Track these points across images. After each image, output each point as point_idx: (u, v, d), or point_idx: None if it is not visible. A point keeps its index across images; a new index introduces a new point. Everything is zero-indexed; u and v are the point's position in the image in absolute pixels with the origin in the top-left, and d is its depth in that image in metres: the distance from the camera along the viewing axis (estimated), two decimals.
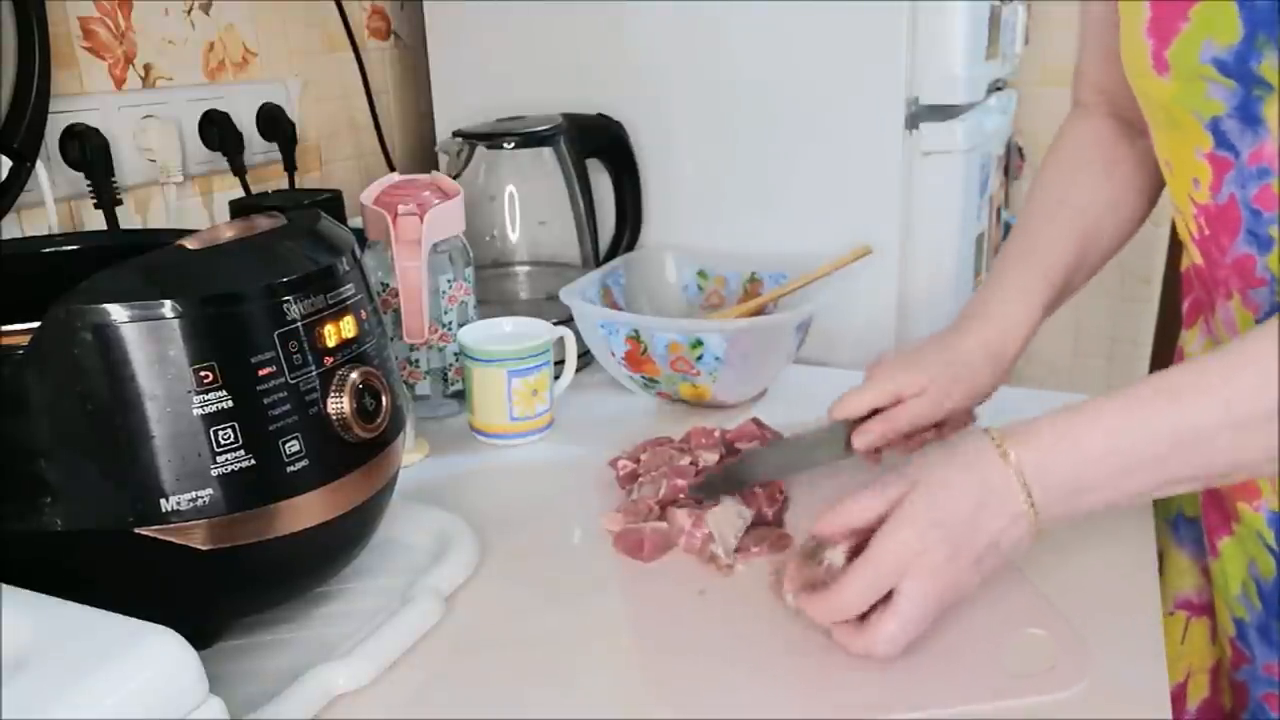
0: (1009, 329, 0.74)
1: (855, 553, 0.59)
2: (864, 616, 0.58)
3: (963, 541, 0.56)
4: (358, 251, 0.63)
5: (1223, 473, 0.56)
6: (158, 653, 0.45)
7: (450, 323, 0.95)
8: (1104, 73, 0.76)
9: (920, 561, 0.56)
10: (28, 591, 0.48)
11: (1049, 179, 0.79)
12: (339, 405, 0.57)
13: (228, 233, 0.57)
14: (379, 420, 0.60)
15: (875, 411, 0.75)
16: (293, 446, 0.55)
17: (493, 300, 1.06)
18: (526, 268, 1.15)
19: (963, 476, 0.57)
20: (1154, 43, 0.58)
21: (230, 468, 0.53)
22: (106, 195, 0.92)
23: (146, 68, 1.01)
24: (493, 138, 1.07)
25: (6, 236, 0.87)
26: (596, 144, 1.13)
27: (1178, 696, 0.76)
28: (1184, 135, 0.61)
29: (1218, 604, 0.72)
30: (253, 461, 0.54)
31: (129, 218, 0.99)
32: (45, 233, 0.89)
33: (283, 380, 0.55)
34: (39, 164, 0.87)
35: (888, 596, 0.57)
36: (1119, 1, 0.62)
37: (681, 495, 0.76)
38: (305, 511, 0.57)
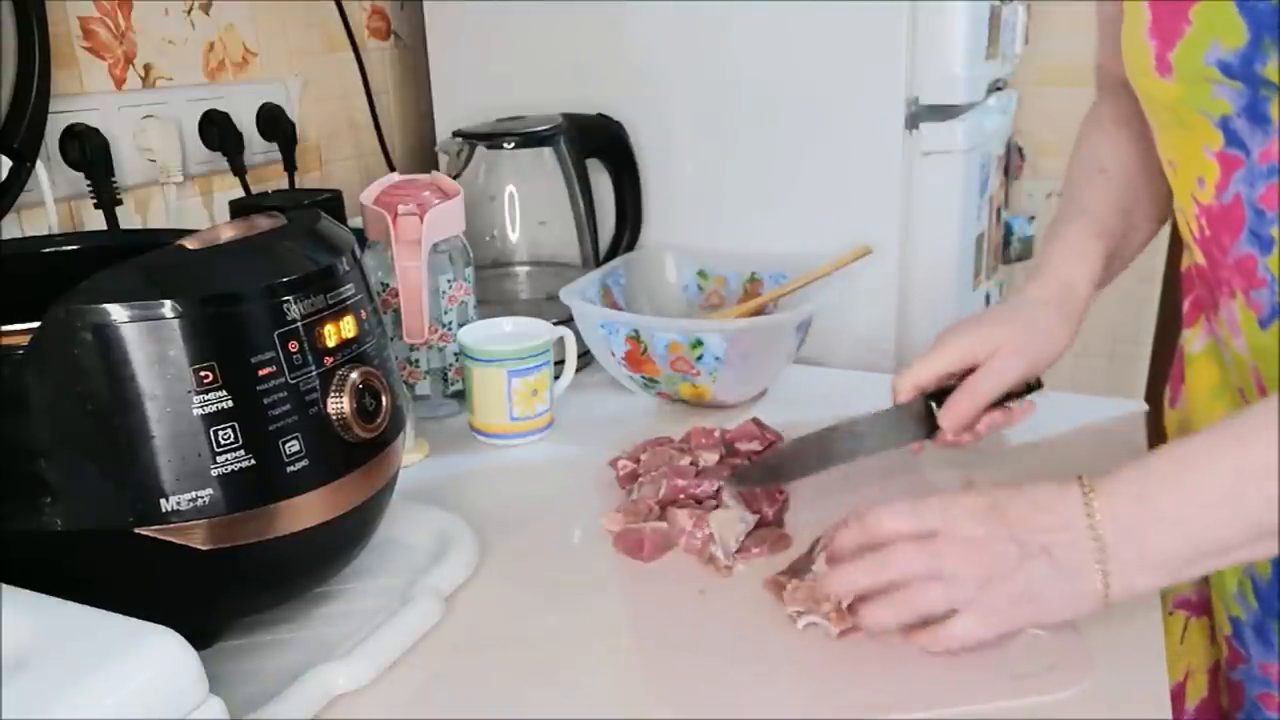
0: (1072, 282, 0.73)
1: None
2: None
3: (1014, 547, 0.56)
4: (358, 251, 0.63)
5: None
6: (158, 653, 0.45)
7: (450, 323, 0.95)
8: (1116, 64, 0.76)
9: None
10: (28, 591, 0.48)
11: (1085, 148, 0.79)
12: (339, 405, 0.57)
13: (228, 233, 0.57)
14: (379, 420, 0.60)
15: (941, 394, 0.71)
16: (293, 446, 0.55)
17: (493, 300, 1.06)
18: (526, 268, 1.15)
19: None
20: (1157, 44, 0.58)
21: (230, 468, 0.53)
22: (106, 195, 0.92)
23: (146, 68, 1.01)
24: (493, 138, 1.07)
25: (6, 236, 0.87)
26: (596, 144, 1.13)
27: (1177, 696, 0.76)
28: (1192, 134, 0.61)
29: (1215, 603, 0.72)
30: (253, 461, 0.54)
31: (129, 218, 0.99)
32: (45, 233, 0.89)
33: (283, 380, 0.55)
34: (39, 164, 0.87)
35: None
36: (1124, 1, 0.62)
37: (682, 495, 0.76)
38: (305, 511, 0.57)
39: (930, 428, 0.71)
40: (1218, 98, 0.57)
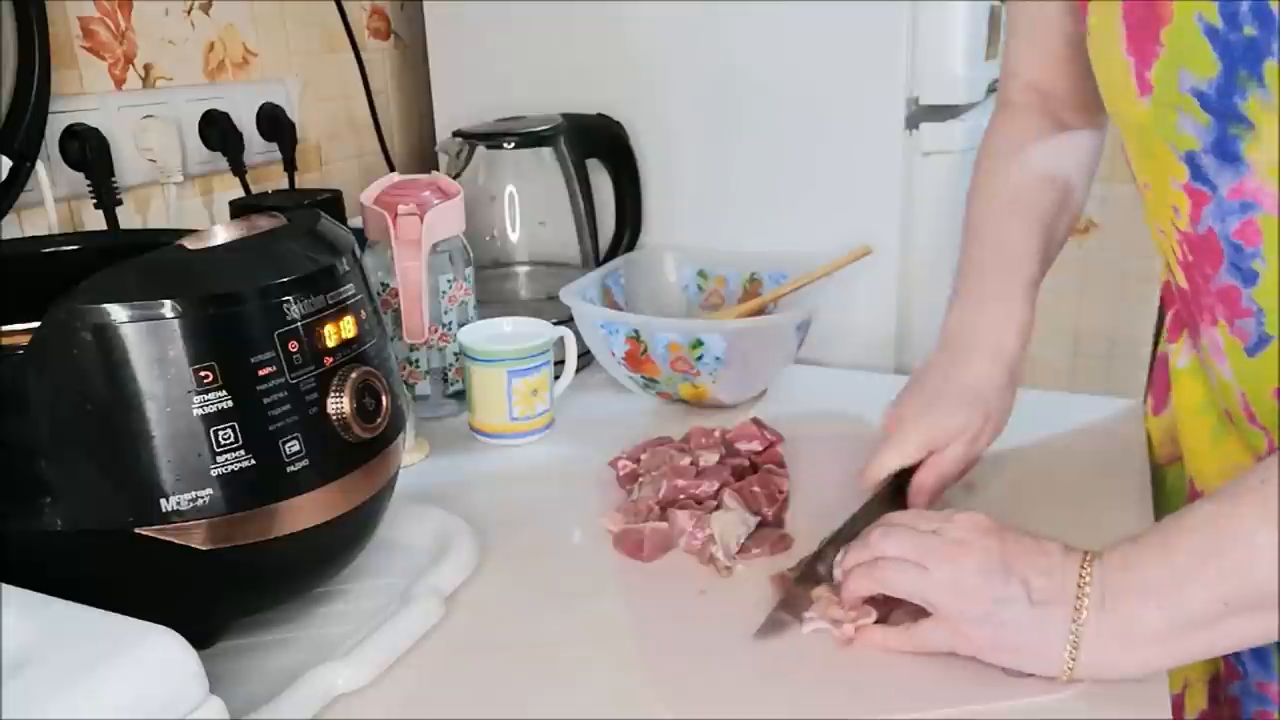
0: (1015, 353, 0.72)
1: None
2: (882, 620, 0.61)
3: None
4: (358, 251, 0.63)
5: (1269, 589, 0.50)
6: (158, 653, 0.45)
7: (450, 323, 0.95)
8: (1041, 72, 0.75)
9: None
10: (28, 591, 0.48)
11: (992, 185, 0.77)
12: (339, 405, 0.57)
13: (228, 233, 0.57)
14: (379, 420, 0.60)
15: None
16: (293, 446, 0.55)
17: (493, 300, 1.06)
18: (526, 268, 1.15)
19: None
20: (1135, 61, 0.56)
21: (230, 468, 0.53)
22: (106, 195, 0.92)
23: (146, 68, 1.01)
24: (493, 138, 1.07)
25: (6, 236, 0.87)
26: (596, 144, 1.13)
27: (1176, 706, 0.76)
28: (1159, 164, 0.59)
29: None
30: (253, 461, 0.54)
31: (129, 218, 0.99)
32: (45, 233, 0.89)
33: (283, 380, 0.55)
34: (39, 164, 0.87)
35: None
36: (1090, 17, 0.60)
37: (682, 496, 0.76)
38: (305, 511, 0.57)
39: (902, 504, 0.73)
40: (1183, 131, 0.55)
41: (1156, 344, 0.83)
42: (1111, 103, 0.61)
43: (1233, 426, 0.66)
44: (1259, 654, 0.67)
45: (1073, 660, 0.54)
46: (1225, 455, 0.67)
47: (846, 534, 0.68)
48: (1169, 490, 0.79)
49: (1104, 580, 0.54)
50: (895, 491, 0.73)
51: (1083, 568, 0.54)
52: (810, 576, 0.67)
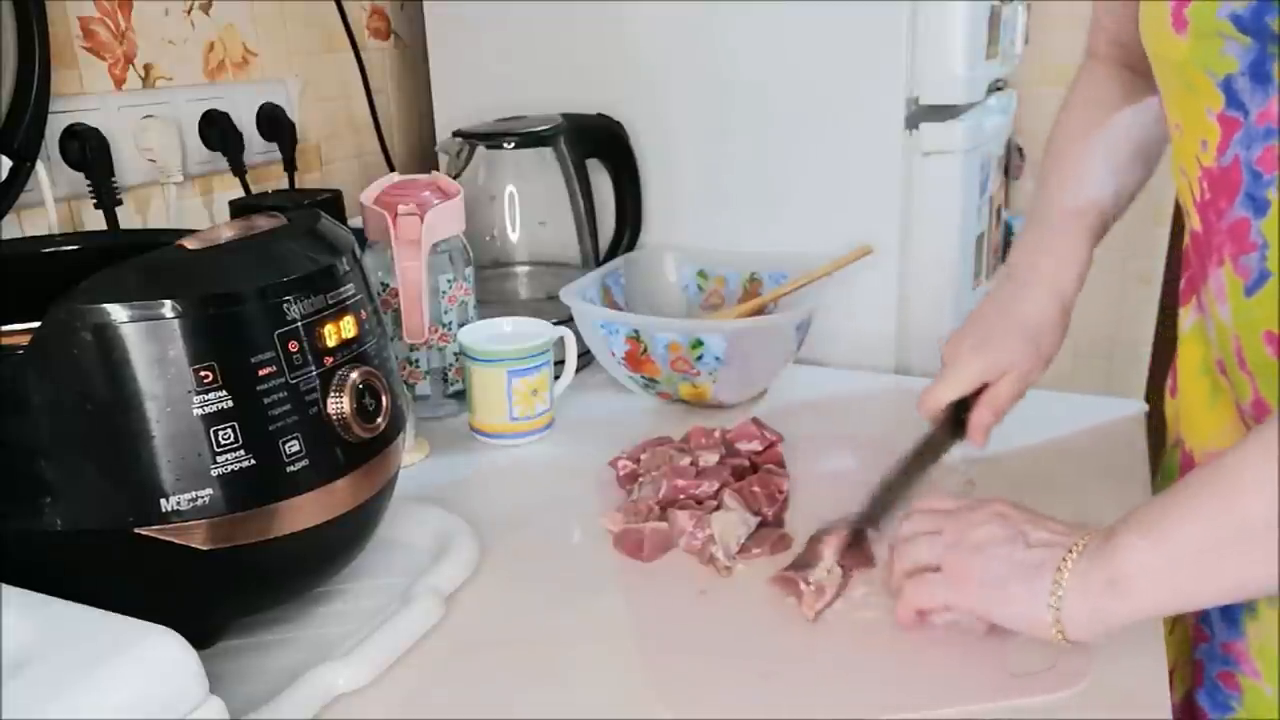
0: (1068, 295, 0.76)
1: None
2: None
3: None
4: (358, 251, 0.63)
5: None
6: (158, 653, 0.45)
7: (450, 323, 0.95)
8: (1121, 26, 0.77)
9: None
10: (28, 591, 0.48)
11: (1072, 127, 0.80)
12: (339, 405, 0.57)
13: (228, 233, 0.57)
14: (379, 420, 0.60)
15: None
16: (293, 446, 0.55)
17: (493, 300, 1.06)
18: (526, 268, 1.15)
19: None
20: (1174, 3, 0.59)
21: (230, 468, 0.53)
22: (106, 195, 0.92)
23: (146, 68, 1.01)
24: (493, 138, 1.07)
25: (6, 236, 0.87)
26: (596, 144, 1.13)
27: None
28: (1196, 96, 0.61)
29: None
30: (253, 461, 0.54)
31: (129, 218, 0.99)
32: (45, 233, 0.89)
33: (283, 380, 0.55)
34: (39, 164, 0.87)
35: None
36: None
37: (682, 496, 0.76)
38: (305, 511, 0.57)
39: (958, 434, 0.76)
40: (1226, 54, 0.58)
41: (1157, 344, 0.84)
42: (1153, 45, 0.64)
43: (1225, 383, 0.67)
44: (1228, 617, 0.68)
45: (1058, 609, 0.55)
46: (1219, 418, 0.68)
47: (905, 472, 0.73)
48: (1167, 470, 0.80)
49: (1099, 538, 0.56)
50: (953, 424, 0.75)
51: (1084, 537, 0.57)
52: (873, 515, 0.70)
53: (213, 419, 0.52)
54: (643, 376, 0.96)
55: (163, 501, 0.52)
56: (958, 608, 0.60)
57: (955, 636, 0.61)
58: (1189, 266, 0.73)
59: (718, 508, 0.75)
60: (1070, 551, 0.56)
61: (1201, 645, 0.70)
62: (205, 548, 0.53)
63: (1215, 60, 0.58)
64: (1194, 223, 0.67)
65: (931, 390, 0.76)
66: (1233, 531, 0.52)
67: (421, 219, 0.86)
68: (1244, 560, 0.52)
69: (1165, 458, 0.82)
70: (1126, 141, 0.78)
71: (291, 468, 0.55)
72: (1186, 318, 0.73)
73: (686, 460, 0.80)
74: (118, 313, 0.50)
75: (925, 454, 0.74)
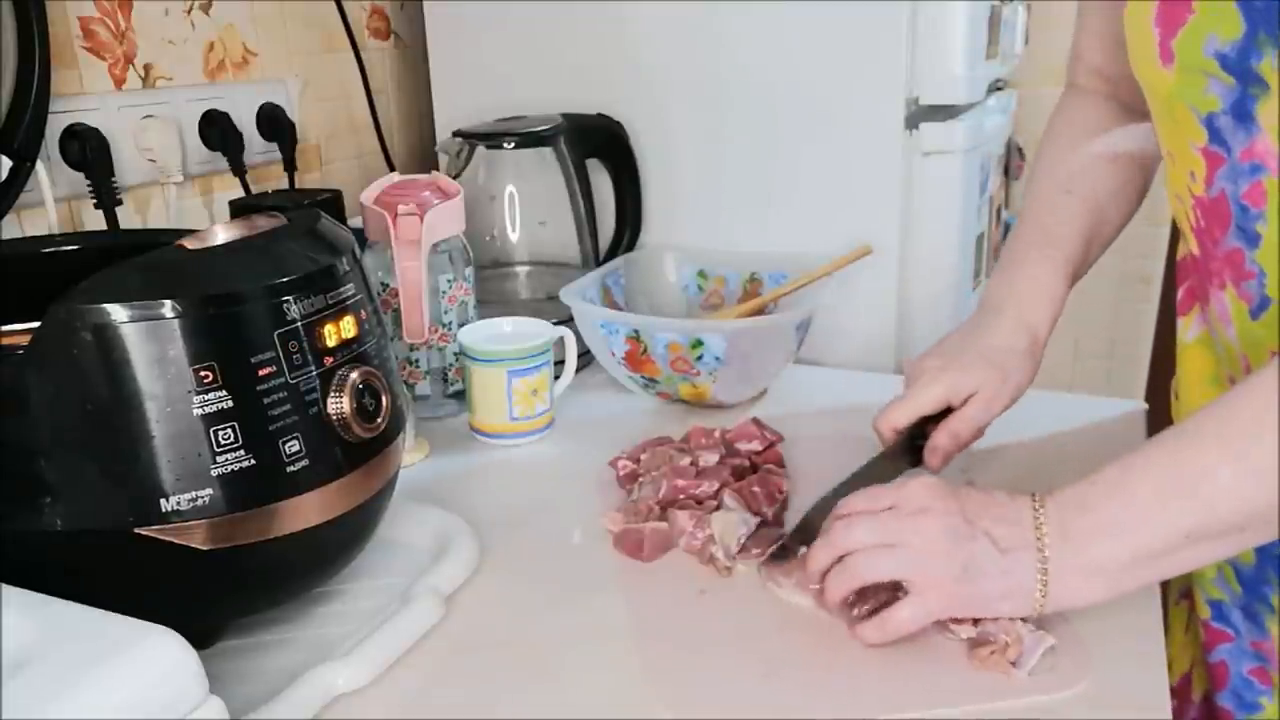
0: (1039, 328, 0.75)
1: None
2: (874, 612, 0.60)
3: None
4: (358, 251, 0.63)
5: (1231, 520, 0.53)
6: (158, 653, 0.45)
7: (450, 323, 0.95)
8: (1105, 57, 0.76)
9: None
10: (28, 591, 0.48)
11: (1052, 165, 0.79)
12: (339, 405, 0.57)
13: (228, 233, 0.57)
14: (379, 420, 0.60)
15: (923, 420, 0.74)
16: (293, 446, 0.55)
17: (493, 300, 1.06)
18: (526, 268, 1.15)
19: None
20: (1160, 32, 0.59)
21: (230, 468, 0.53)
22: (106, 195, 0.92)
23: (146, 68, 1.01)
24: (493, 138, 1.07)
25: (6, 236, 0.87)
26: (596, 144, 1.13)
27: (1183, 688, 0.76)
28: (1181, 129, 0.61)
29: (1194, 588, 0.73)
30: (253, 461, 0.54)
31: (129, 218, 0.99)
32: (45, 233, 0.89)
33: (283, 380, 0.55)
34: (39, 164, 0.87)
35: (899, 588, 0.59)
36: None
37: (682, 496, 0.76)
38: (305, 511, 0.57)
39: (914, 460, 0.75)
40: (1209, 93, 0.57)
41: (1157, 343, 0.84)
42: (1140, 73, 0.63)
43: None
44: (1250, 615, 0.68)
45: (1043, 597, 0.57)
46: None
47: (847, 489, 0.69)
48: None
49: (1062, 521, 0.56)
50: (908, 450, 0.73)
51: (1035, 510, 0.57)
52: (806, 531, 0.68)
53: (213, 419, 0.52)
54: (643, 376, 0.96)
55: (163, 501, 0.52)
56: (940, 616, 0.59)
57: (955, 637, 0.61)
58: (1187, 278, 0.73)
59: (718, 508, 0.75)
60: (1040, 547, 0.56)
61: (1224, 645, 0.70)
62: (205, 548, 0.53)
63: (1199, 98, 0.58)
64: (1192, 246, 0.67)
65: (890, 408, 0.74)
66: (1208, 530, 0.53)
67: (421, 219, 0.86)
68: (1220, 546, 0.54)
69: None
70: (1109, 179, 0.77)
71: (291, 468, 0.55)
72: (1188, 329, 0.73)
73: (686, 460, 0.80)
74: (118, 313, 0.50)
75: (868, 479, 0.70)
